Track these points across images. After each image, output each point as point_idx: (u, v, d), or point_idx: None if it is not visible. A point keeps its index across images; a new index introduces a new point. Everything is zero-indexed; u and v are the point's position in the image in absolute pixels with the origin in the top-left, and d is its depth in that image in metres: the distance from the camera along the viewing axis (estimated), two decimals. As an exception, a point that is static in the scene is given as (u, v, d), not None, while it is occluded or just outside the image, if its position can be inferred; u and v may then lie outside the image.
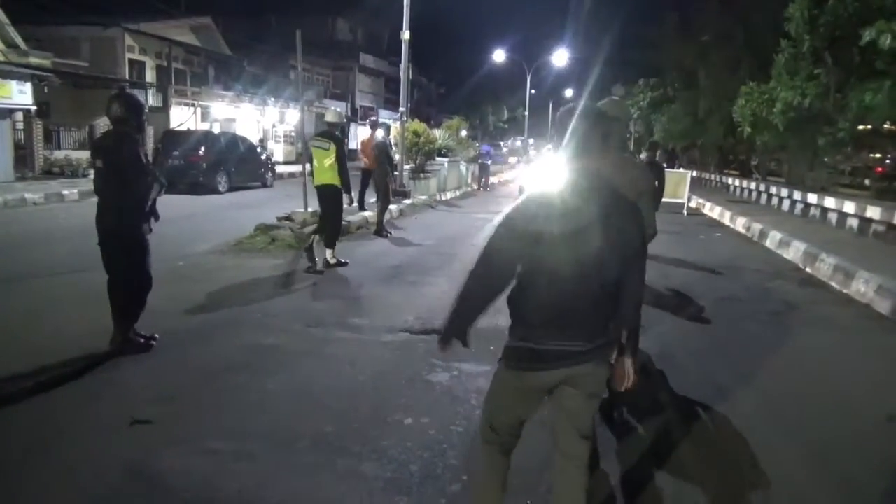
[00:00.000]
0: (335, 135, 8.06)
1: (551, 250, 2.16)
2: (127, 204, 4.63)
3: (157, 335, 5.05)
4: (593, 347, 2.26)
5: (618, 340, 2.39)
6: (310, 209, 10.82)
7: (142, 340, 4.91)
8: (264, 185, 20.56)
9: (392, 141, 11.16)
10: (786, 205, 17.42)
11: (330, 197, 8.01)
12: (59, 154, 20.63)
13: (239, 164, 19.12)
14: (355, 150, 39.48)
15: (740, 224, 14.45)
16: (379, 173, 10.80)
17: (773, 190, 19.07)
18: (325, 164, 7.93)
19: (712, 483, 3.29)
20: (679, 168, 26.52)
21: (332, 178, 7.93)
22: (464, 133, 35.66)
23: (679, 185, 17.19)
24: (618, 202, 2.27)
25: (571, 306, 2.21)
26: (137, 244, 4.74)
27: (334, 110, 8.92)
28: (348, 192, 8.06)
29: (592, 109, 2.28)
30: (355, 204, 9.73)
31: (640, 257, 2.37)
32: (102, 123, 22.97)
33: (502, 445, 2.46)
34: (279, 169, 24.88)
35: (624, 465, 3.44)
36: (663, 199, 17.18)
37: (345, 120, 9.07)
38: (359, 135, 41.29)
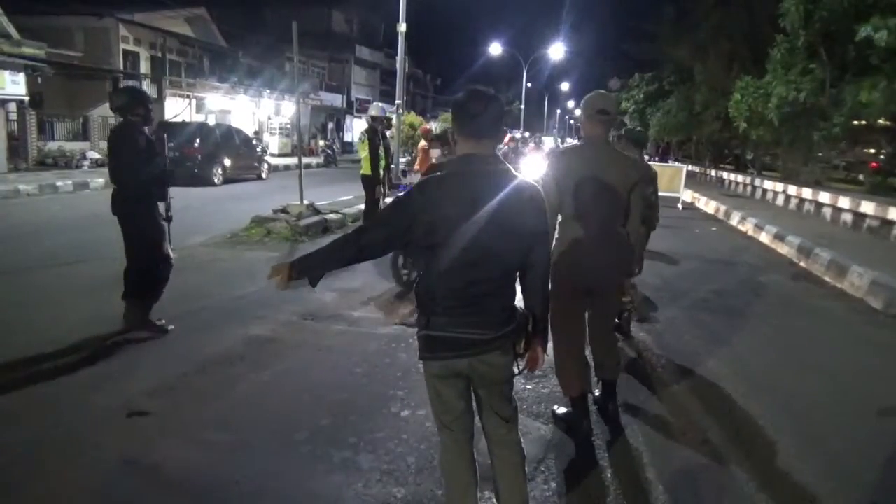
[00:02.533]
0: (367, 129, 9.03)
1: (447, 237, 2.15)
2: (129, 190, 4.80)
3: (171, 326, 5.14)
4: (496, 336, 2.25)
5: (525, 328, 2.36)
6: (305, 201, 10.80)
7: (159, 322, 5.08)
8: (259, 178, 20.50)
9: (389, 134, 11.13)
10: (780, 199, 17.47)
11: (365, 186, 9.09)
12: (52, 145, 20.53)
13: (234, 156, 19.07)
14: (350, 143, 39.13)
15: (735, 218, 14.49)
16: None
17: (768, 185, 19.11)
18: (361, 156, 9.06)
19: (707, 474, 3.32)
20: (673, 162, 26.56)
21: (365, 169, 8.98)
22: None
23: (674, 179, 17.20)
24: (516, 187, 2.24)
25: (472, 293, 2.21)
26: (145, 229, 4.89)
27: (376, 105, 9.87)
28: (374, 173, 8.88)
29: (486, 93, 2.25)
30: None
31: (543, 243, 2.34)
32: (97, 114, 22.89)
33: (459, 433, 2.41)
34: (274, 161, 24.82)
35: (618, 459, 3.46)
36: (659, 194, 17.19)
37: (385, 113, 9.50)
38: (354, 127, 41.24)
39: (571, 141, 44.02)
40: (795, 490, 3.25)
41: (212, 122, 25.36)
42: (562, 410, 3.83)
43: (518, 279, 2.37)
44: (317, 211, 10.82)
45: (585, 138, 3.65)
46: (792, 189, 16.78)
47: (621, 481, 3.23)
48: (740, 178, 23.06)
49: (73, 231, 9.23)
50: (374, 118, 9.09)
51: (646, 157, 21.47)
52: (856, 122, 17.04)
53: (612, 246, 3.55)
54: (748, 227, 13.21)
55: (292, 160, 24.08)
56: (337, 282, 7.01)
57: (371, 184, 8.95)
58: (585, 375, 3.69)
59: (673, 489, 3.16)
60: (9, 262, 7.22)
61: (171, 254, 5.23)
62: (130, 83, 24.66)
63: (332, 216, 10.88)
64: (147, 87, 25.54)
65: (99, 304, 5.61)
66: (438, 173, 2.30)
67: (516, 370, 2.41)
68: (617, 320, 5.52)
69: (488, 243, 2.17)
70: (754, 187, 20.46)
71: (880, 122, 17.10)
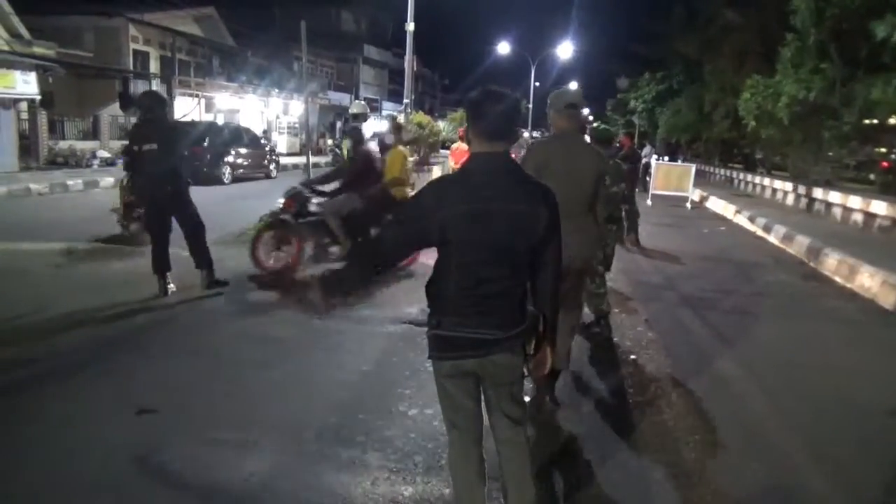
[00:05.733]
0: (352, 127, 8.88)
1: (458, 235, 2.15)
2: (181, 172, 6.05)
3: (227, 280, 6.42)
4: (506, 336, 2.24)
5: (535, 328, 2.36)
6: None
7: (222, 279, 6.33)
8: (268, 177, 20.55)
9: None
10: (790, 199, 17.37)
11: None
12: (63, 144, 20.66)
13: (242, 155, 19.14)
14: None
15: (744, 218, 14.42)
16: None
17: (778, 184, 19.01)
18: (345, 153, 9.00)
19: (714, 475, 3.30)
20: (682, 161, 26.44)
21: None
22: (468, 125, 35.51)
23: (683, 178, 17.14)
24: (527, 185, 2.26)
25: (483, 293, 2.20)
26: (190, 201, 6.17)
27: (358, 102, 9.82)
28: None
29: (501, 93, 2.26)
30: None
31: (555, 242, 2.32)
32: (107, 113, 23.01)
33: (467, 432, 2.41)
34: (283, 160, 24.89)
35: (627, 458, 3.45)
36: (667, 193, 17.22)
37: (368, 111, 9.42)
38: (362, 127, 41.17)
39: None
40: (804, 492, 3.24)
41: (220, 121, 25.45)
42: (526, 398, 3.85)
43: (529, 279, 2.36)
44: (325, 210, 10.82)
45: (557, 131, 3.93)
46: (802, 188, 16.68)
47: (629, 481, 3.22)
48: (749, 177, 22.95)
49: (82, 228, 9.26)
50: (355, 116, 9.07)
51: (654, 156, 21.50)
52: (867, 122, 16.91)
53: (579, 229, 3.68)
54: (757, 227, 13.15)
55: (300, 159, 24.13)
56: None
57: None
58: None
59: (680, 490, 3.15)
60: (20, 261, 7.25)
61: (183, 253, 6.26)
62: (141, 83, 24.82)
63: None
64: (157, 86, 25.69)
65: (107, 299, 5.65)
66: (448, 175, 2.31)
67: (525, 371, 2.40)
68: (597, 329, 5.50)
69: (499, 242, 2.18)
70: (764, 186, 20.36)
71: (891, 121, 16.97)
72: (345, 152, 9.05)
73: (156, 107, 6.00)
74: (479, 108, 2.24)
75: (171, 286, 6.07)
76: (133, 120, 24.14)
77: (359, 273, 2.51)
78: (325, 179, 7.45)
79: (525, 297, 2.33)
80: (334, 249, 6.99)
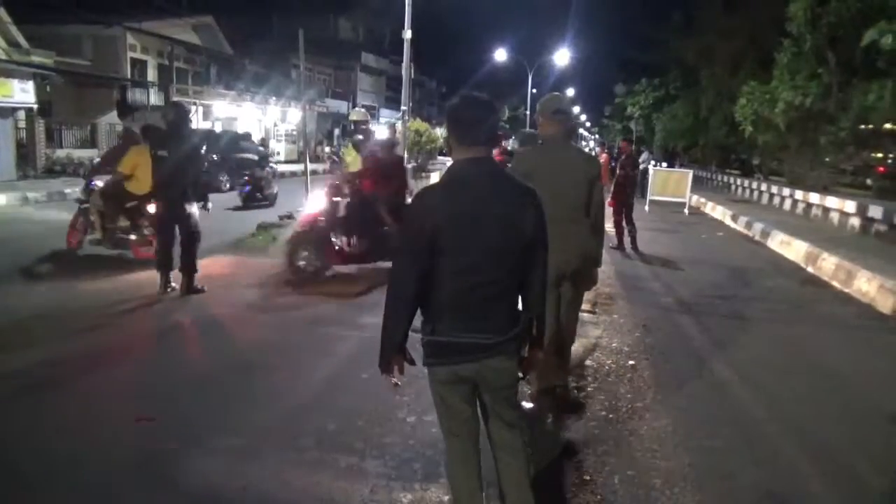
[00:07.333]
0: (351, 135, 9.05)
1: (451, 241, 2.15)
2: (199, 181, 6.68)
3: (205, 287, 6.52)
4: (503, 340, 2.24)
5: (528, 331, 2.37)
6: (311, 208, 10.80)
7: (199, 287, 6.46)
8: (266, 184, 20.53)
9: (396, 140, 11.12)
10: (787, 204, 17.40)
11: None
12: (60, 153, 20.64)
13: (240, 162, 19.16)
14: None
15: (742, 223, 14.44)
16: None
17: (775, 189, 19.04)
18: (346, 161, 8.76)
19: (712, 481, 3.30)
20: (679, 167, 26.51)
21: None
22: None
23: (680, 184, 17.17)
24: (514, 189, 2.28)
25: (478, 297, 2.21)
26: (195, 210, 6.52)
27: (358, 110, 9.87)
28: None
29: (481, 99, 2.28)
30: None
31: (542, 243, 2.33)
32: (104, 122, 23.03)
33: (465, 439, 2.41)
34: (281, 168, 24.92)
35: (623, 464, 3.44)
36: (665, 198, 17.25)
37: (368, 118, 9.38)
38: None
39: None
40: (803, 496, 3.23)
41: (218, 129, 25.46)
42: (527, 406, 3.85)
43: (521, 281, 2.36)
44: (323, 217, 10.81)
45: (545, 137, 3.94)
46: (799, 194, 16.71)
47: (628, 487, 3.21)
48: (747, 182, 23.02)
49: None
50: (355, 123, 9.01)
51: (652, 162, 21.56)
52: (863, 127, 17.00)
53: (579, 235, 3.72)
54: (755, 232, 13.17)
55: (298, 167, 24.16)
56: (341, 287, 7.03)
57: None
58: (554, 367, 3.75)
59: (679, 496, 3.14)
60: (24, 265, 7.24)
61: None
62: (139, 91, 24.88)
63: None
64: (154, 94, 25.76)
65: (98, 310, 5.65)
66: (436, 184, 2.32)
67: (520, 374, 2.41)
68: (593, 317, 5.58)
69: (491, 246, 2.19)
70: (761, 192, 20.42)
71: (887, 126, 17.06)
72: (347, 159, 8.92)
73: (181, 118, 6.49)
74: (459, 116, 2.26)
75: (173, 284, 6.37)
76: (133, 128, 24.27)
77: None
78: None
79: (517, 300, 2.35)
80: (94, 235, 7.78)
